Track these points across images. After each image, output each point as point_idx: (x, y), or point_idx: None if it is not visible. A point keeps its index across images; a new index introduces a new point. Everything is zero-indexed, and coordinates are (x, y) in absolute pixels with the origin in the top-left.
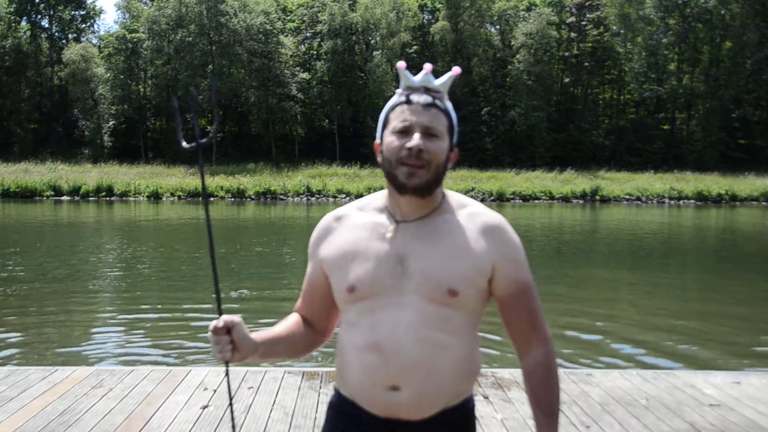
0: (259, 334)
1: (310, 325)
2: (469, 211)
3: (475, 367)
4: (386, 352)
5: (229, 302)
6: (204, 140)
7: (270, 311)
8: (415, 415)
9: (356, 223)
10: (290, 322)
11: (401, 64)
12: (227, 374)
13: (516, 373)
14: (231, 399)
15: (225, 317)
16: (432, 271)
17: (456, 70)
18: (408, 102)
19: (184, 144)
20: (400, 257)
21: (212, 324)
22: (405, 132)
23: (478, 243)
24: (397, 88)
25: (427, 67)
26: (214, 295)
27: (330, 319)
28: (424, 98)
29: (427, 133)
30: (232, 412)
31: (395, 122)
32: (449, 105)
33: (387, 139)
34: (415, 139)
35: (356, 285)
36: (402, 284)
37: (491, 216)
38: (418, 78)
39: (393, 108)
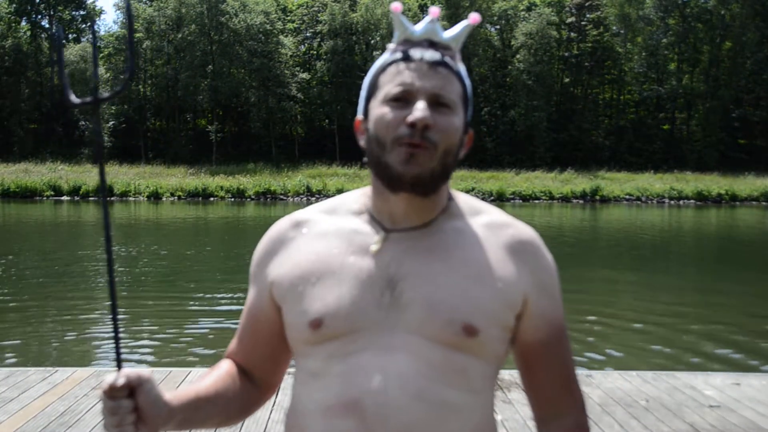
0: (177, 395)
1: (248, 376)
2: (487, 220)
3: None
4: (368, 416)
5: (229, 303)
6: (106, 95)
7: None
8: None
9: (324, 231)
10: (221, 374)
11: (396, 6)
12: None
13: (516, 374)
14: None
15: (128, 371)
16: (439, 300)
17: (474, 17)
18: (407, 58)
19: (74, 98)
20: (391, 280)
21: (105, 382)
22: (404, 100)
23: (504, 264)
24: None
25: (434, 11)
26: (112, 334)
27: (278, 369)
28: (431, 54)
29: (436, 102)
30: None
31: (389, 86)
32: (463, 68)
33: (376, 112)
34: (420, 108)
35: (324, 318)
36: (392, 318)
37: (521, 229)
38: (420, 27)
39: (384, 68)
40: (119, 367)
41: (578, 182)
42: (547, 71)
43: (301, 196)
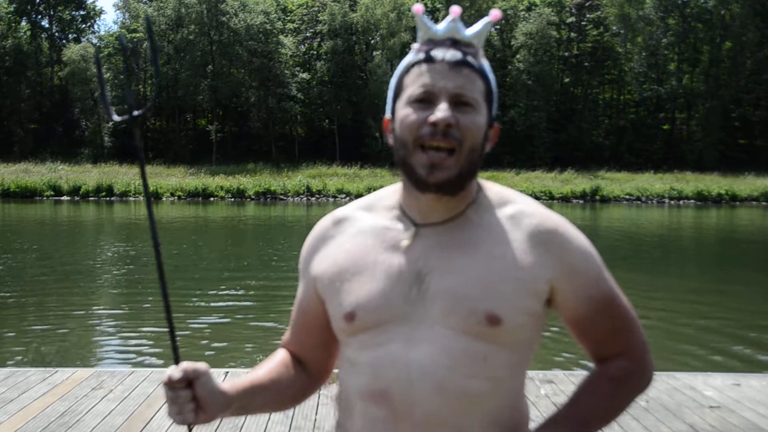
0: (234, 384)
1: (302, 365)
2: (514, 210)
3: (519, 423)
4: (396, 405)
5: (229, 303)
6: (139, 111)
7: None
8: None
9: (361, 228)
10: (275, 363)
11: (418, 7)
12: None
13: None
14: None
15: (185, 365)
16: (463, 292)
17: (495, 13)
18: (429, 59)
19: (115, 117)
20: (419, 274)
21: (166, 374)
22: (426, 101)
23: (528, 254)
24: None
25: (455, 10)
26: (167, 330)
27: (330, 357)
28: (452, 54)
29: (458, 102)
30: None
31: (412, 88)
32: (486, 64)
33: (401, 113)
34: (442, 109)
35: (356, 311)
36: (420, 311)
37: (546, 217)
38: (442, 26)
39: (408, 69)
40: (177, 361)
41: (578, 182)
42: (547, 71)
43: (301, 196)
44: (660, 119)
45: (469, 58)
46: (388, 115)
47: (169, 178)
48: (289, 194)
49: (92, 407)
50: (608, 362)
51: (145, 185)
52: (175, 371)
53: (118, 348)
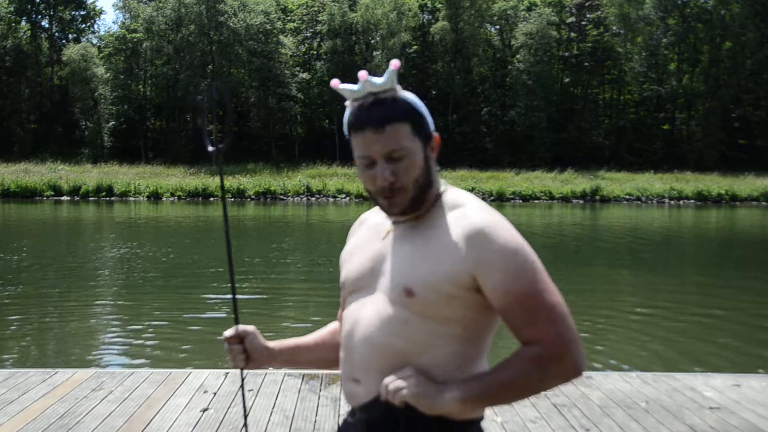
0: (281, 343)
1: None
2: (459, 212)
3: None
4: (346, 349)
5: (229, 304)
6: (222, 145)
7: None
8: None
9: (369, 224)
10: (325, 330)
11: (335, 83)
12: (242, 384)
13: None
14: (246, 411)
15: (238, 327)
16: (396, 270)
17: (394, 63)
18: (359, 129)
19: (210, 147)
20: (383, 257)
21: (225, 333)
22: (370, 163)
23: (455, 248)
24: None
25: (362, 75)
26: (230, 300)
27: None
28: (375, 114)
29: (391, 158)
30: (246, 417)
31: (356, 152)
32: (406, 95)
33: (357, 165)
34: (382, 174)
35: (344, 282)
36: (374, 283)
37: (477, 219)
38: (358, 87)
39: (349, 131)
40: (236, 322)
41: (578, 182)
42: (547, 71)
43: (301, 196)
44: (660, 119)
45: (388, 109)
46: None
47: (169, 178)
48: (289, 194)
49: (92, 408)
50: (526, 346)
51: (223, 194)
52: (230, 330)
53: (118, 349)
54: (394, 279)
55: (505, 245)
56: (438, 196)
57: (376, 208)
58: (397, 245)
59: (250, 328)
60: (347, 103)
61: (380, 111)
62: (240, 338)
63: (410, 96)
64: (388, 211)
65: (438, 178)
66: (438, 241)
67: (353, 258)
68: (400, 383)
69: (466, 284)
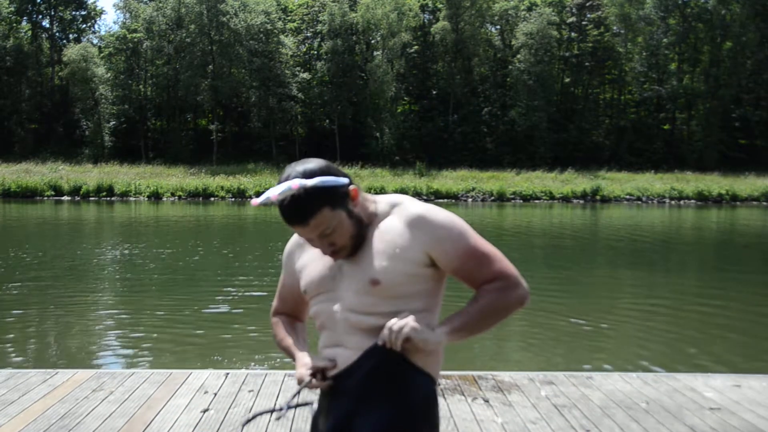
0: (304, 346)
1: (295, 318)
2: (398, 209)
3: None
4: (329, 328)
5: (230, 305)
6: (293, 404)
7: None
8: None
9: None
10: (291, 323)
11: (254, 202)
12: (296, 396)
13: (516, 377)
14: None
15: (307, 370)
16: (359, 268)
17: (294, 184)
18: (291, 224)
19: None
20: (340, 264)
21: (307, 383)
22: (310, 240)
23: (403, 235)
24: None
25: (254, 202)
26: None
27: (306, 311)
28: (296, 214)
29: (323, 235)
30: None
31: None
32: (313, 183)
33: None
34: (323, 248)
35: (306, 289)
36: (338, 285)
37: (413, 209)
38: (261, 200)
39: None
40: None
41: (579, 182)
42: (548, 71)
43: None
44: (660, 119)
45: (304, 209)
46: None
47: (169, 178)
48: None
49: (93, 409)
50: (486, 284)
51: None
52: (303, 372)
53: (119, 349)
54: (358, 275)
55: (444, 221)
56: (374, 210)
57: None
58: (351, 255)
59: (307, 359)
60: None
61: (299, 211)
62: (316, 372)
63: (316, 180)
64: (338, 258)
65: (366, 205)
66: (389, 237)
67: (309, 268)
68: (401, 322)
69: (422, 262)
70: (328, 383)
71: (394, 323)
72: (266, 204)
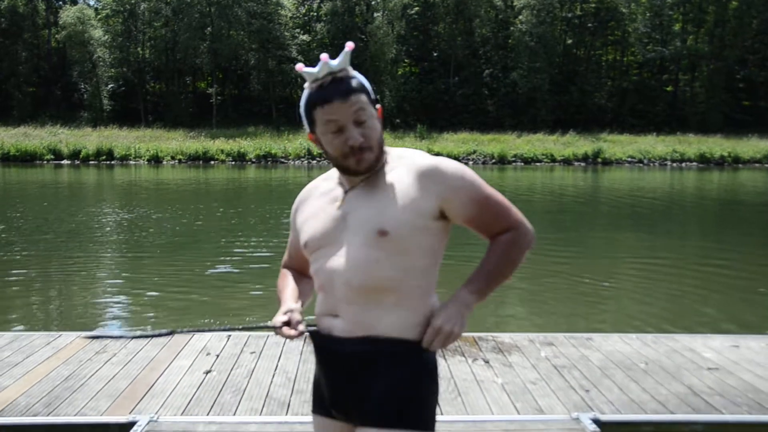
0: (298, 298)
1: (299, 273)
2: (407, 161)
3: (418, 315)
4: (328, 291)
5: (232, 266)
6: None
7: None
8: (345, 335)
9: (320, 191)
10: (294, 276)
11: (299, 67)
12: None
13: (517, 338)
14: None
15: (283, 317)
16: (366, 218)
17: (349, 45)
18: (327, 101)
19: None
20: (344, 217)
21: (283, 333)
22: (339, 130)
23: (415, 186)
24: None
25: (324, 57)
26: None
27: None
28: (339, 88)
29: (358, 122)
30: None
31: (326, 126)
32: (356, 74)
33: (325, 138)
34: (354, 136)
35: (307, 242)
36: (342, 238)
37: (425, 161)
38: (318, 68)
39: (312, 108)
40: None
41: (580, 145)
42: (550, 32)
43: (302, 159)
44: (663, 81)
45: (349, 83)
46: (309, 132)
47: (169, 141)
48: (290, 157)
49: (96, 371)
50: (499, 236)
51: None
52: (279, 318)
53: (122, 311)
54: (366, 226)
55: (456, 171)
56: (384, 156)
57: (320, 178)
58: (358, 202)
59: (293, 305)
60: (306, 85)
61: (343, 85)
62: (289, 322)
63: (359, 74)
64: (357, 168)
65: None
66: (399, 186)
67: (311, 222)
68: (448, 326)
69: (433, 214)
70: (299, 332)
71: (441, 325)
72: (318, 73)
